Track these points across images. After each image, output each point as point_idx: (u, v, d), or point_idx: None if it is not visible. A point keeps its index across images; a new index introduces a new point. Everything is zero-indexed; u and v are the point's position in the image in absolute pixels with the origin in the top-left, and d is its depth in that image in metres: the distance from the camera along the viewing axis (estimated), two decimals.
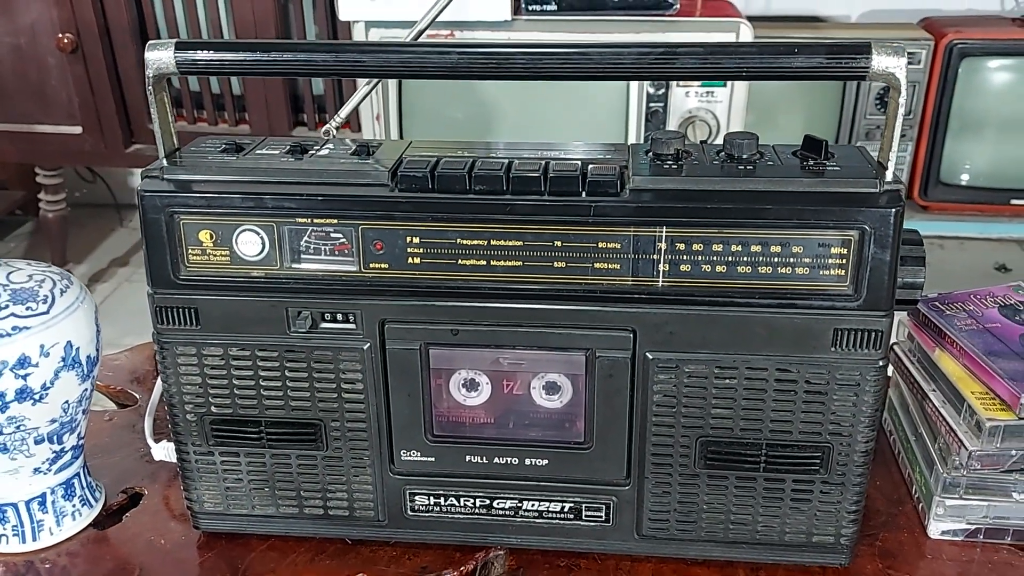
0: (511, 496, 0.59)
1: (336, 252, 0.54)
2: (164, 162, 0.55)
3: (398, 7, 1.25)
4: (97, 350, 0.61)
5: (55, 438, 0.60)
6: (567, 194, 0.52)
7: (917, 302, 0.54)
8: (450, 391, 0.57)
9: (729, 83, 1.25)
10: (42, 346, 0.56)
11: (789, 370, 0.53)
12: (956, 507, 0.60)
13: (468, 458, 0.58)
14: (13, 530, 0.62)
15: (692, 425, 0.55)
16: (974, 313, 0.63)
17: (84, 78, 1.81)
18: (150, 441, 0.68)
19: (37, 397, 0.57)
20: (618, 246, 0.52)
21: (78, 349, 0.58)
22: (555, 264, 0.53)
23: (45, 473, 0.61)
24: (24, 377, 0.56)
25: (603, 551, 0.60)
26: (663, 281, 0.52)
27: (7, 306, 0.56)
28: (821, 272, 0.51)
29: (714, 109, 1.25)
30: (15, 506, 0.61)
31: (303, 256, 0.54)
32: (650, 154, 0.54)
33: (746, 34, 1.23)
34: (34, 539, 0.62)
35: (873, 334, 0.52)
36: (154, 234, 0.54)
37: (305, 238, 0.54)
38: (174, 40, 0.53)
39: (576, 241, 0.52)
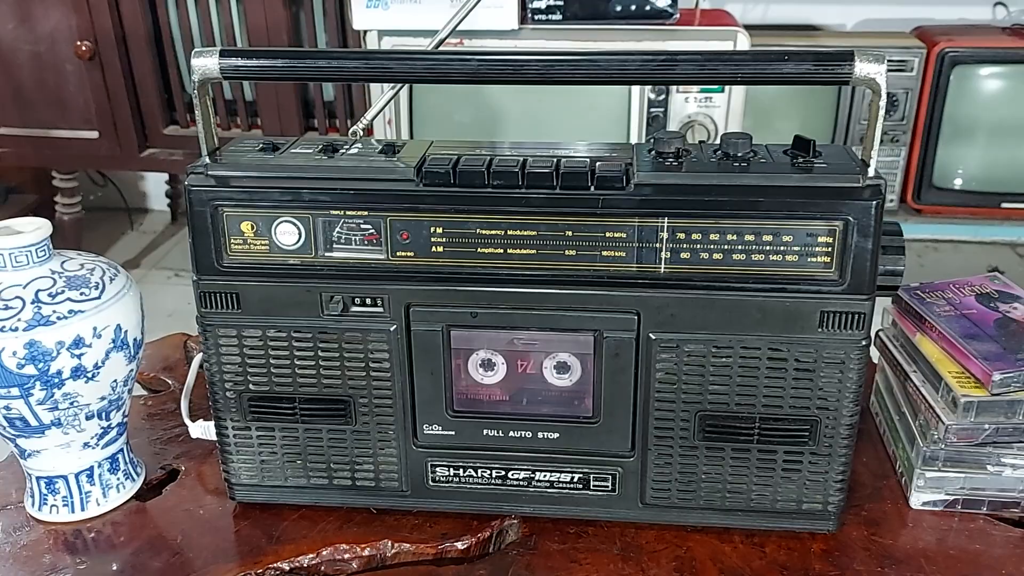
0: (524, 468, 0.64)
1: (366, 242, 0.59)
2: (207, 159, 0.60)
3: (409, 17, 1.30)
4: (142, 334, 0.66)
5: (103, 414, 0.65)
6: (577, 188, 0.57)
7: (898, 288, 0.59)
8: (468, 370, 0.62)
9: (726, 89, 1.31)
10: (95, 328, 0.61)
11: (780, 349, 0.58)
12: (935, 479, 0.65)
13: (485, 432, 0.63)
14: (63, 500, 0.67)
15: (691, 400, 0.60)
16: (952, 300, 0.68)
17: (101, 84, 1.86)
18: (187, 420, 0.73)
19: (90, 375, 0.62)
20: (624, 235, 0.57)
21: (126, 332, 0.63)
22: (566, 252, 0.58)
23: (93, 448, 0.66)
24: (79, 356, 0.61)
25: (609, 519, 0.65)
26: (665, 267, 0.58)
27: (63, 291, 0.61)
28: (809, 259, 0.56)
29: (712, 114, 1.31)
30: (65, 478, 0.66)
31: (335, 245, 0.59)
32: (653, 152, 0.59)
33: (743, 42, 1.28)
34: (82, 509, 0.67)
35: (856, 316, 0.57)
36: (200, 225, 0.59)
37: (337, 229, 0.59)
38: (218, 48, 0.58)
39: (585, 231, 0.57)
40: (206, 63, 0.57)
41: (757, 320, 0.58)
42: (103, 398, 0.64)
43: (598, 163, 0.58)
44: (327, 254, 0.59)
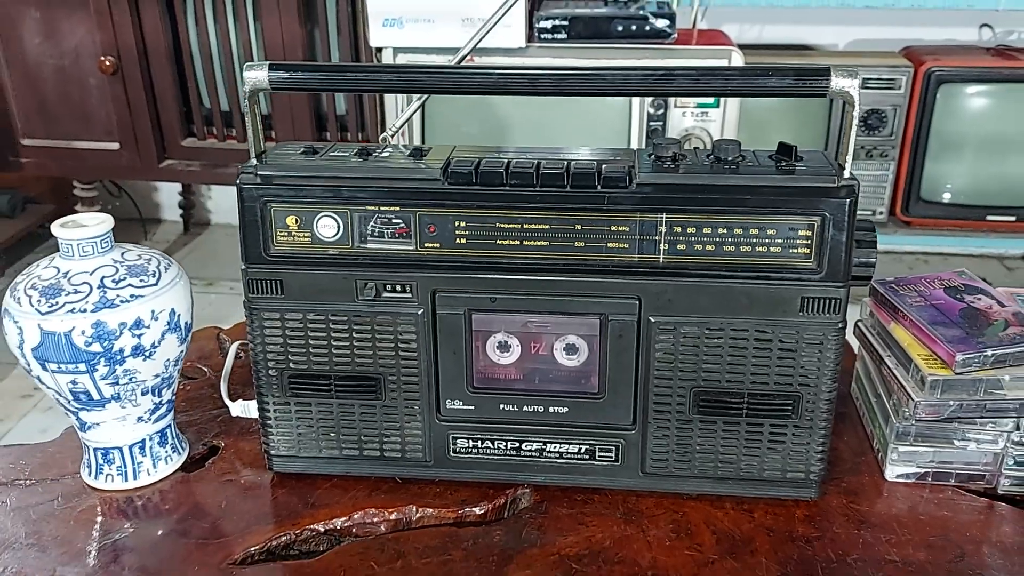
0: (536, 440, 0.71)
1: (397, 234, 0.66)
2: (255, 161, 0.68)
3: (423, 35, 1.38)
4: (191, 318, 0.73)
5: (157, 391, 0.72)
6: (585, 187, 0.64)
7: (871, 278, 0.67)
8: (487, 351, 0.69)
9: (721, 104, 1.38)
10: (152, 311, 0.68)
11: (765, 331, 0.65)
12: (907, 453, 0.72)
13: (502, 407, 0.70)
14: (118, 470, 0.73)
15: (686, 378, 0.67)
16: (923, 293, 0.76)
17: (123, 98, 1.94)
18: (227, 400, 0.80)
19: (147, 354, 0.69)
20: (627, 229, 0.64)
21: (179, 316, 0.71)
22: (575, 244, 0.65)
23: (146, 422, 0.73)
24: (139, 336, 0.68)
25: (613, 487, 0.72)
26: (663, 257, 0.65)
27: (125, 278, 0.68)
28: (790, 250, 0.64)
29: (708, 127, 1.38)
30: (120, 449, 0.73)
31: (370, 238, 0.67)
32: (652, 156, 0.67)
33: (737, 61, 1.36)
34: (134, 478, 0.74)
35: (833, 301, 0.64)
36: (249, 219, 0.66)
37: (372, 223, 0.66)
38: (268, 62, 0.65)
39: (592, 225, 0.65)
40: (257, 75, 0.65)
41: (745, 305, 0.65)
42: (157, 375, 0.71)
43: (604, 165, 0.65)
44: (362, 245, 0.67)
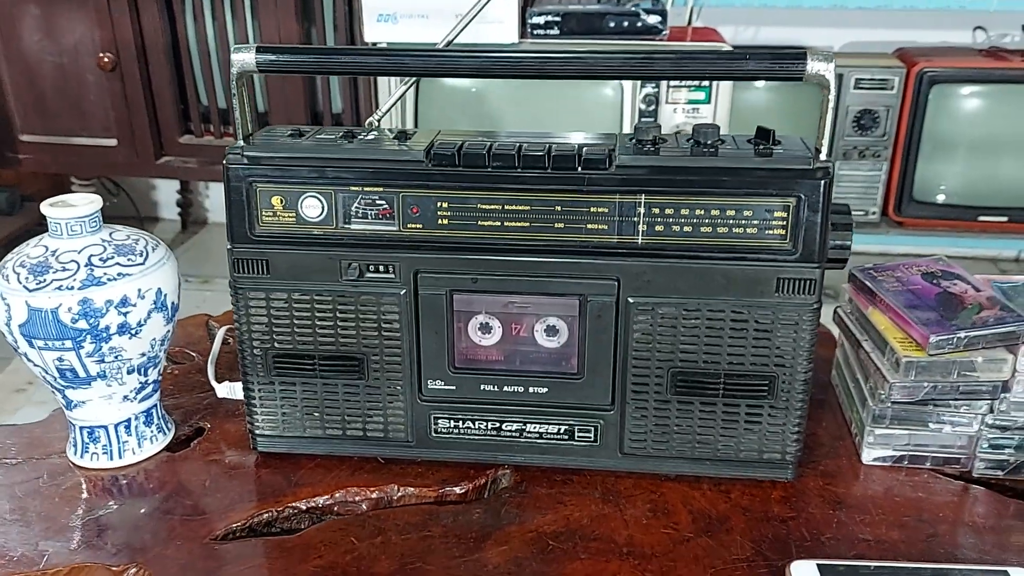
0: (516, 420, 0.72)
1: (381, 215, 0.67)
2: (242, 143, 0.69)
3: (417, 31, 1.39)
4: (178, 299, 0.74)
5: (143, 370, 0.73)
6: (566, 169, 0.65)
7: (846, 260, 0.68)
8: (469, 334, 0.70)
9: (712, 99, 1.40)
10: (139, 290, 0.69)
11: (742, 312, 0.66)
12: (884, 435, 0.73)
13: (483, 387, 0.71)
14: (103, 448, 0.74)
15: (664, 358, 0.68)
16: (901, 278, 0.77)
17: (121, 94, 1.96)
18: (213, 381, 0.81)
19: (133, 332, 0.70)
20: (606, 210, 0.65)
21: (165, 295, 0.72)
22: (555, 225, 0.66)
23: (132, 401, 0.74)
24: (125, 314, 0.69)
25: (592, 467, 0.73)
26: (642, 239, 0.66)
27: (112, 257, 0.69)
28: (767, 231, 0.65)
29: (699, 122, 1.39)
30: (106, 428, 0.74)
31: (354, 218, 0.68)
32: (633, 140, 0.68)
33: None
34: (120, 457, 0.75)
35: (808, 282, 0.65)
36: (235, 199, 0.67)
37: (356, 203, 0.67)
38: (255, 45, 0.66)
39: (572, 206, 0.66)
40: (244, 58, 0.66)
41: (722, 285, 0.66)
42: (143, 354, 0.72)
43: (584, 148, 0.66)
44: (346, 226, 0.68)
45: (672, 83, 1.38)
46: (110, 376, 0.71)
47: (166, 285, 0.72)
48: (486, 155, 0.66)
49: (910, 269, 0.78)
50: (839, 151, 1.97)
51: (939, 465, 0.74)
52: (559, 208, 0.66)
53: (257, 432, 0.75)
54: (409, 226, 0.67)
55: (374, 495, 0.72)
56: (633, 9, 1.41)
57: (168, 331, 0.73)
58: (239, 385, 0.77)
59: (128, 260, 0.69)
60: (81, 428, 0.74)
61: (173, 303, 0.73)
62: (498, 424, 0.72)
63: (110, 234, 0.71)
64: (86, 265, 0.68)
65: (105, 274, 0.68)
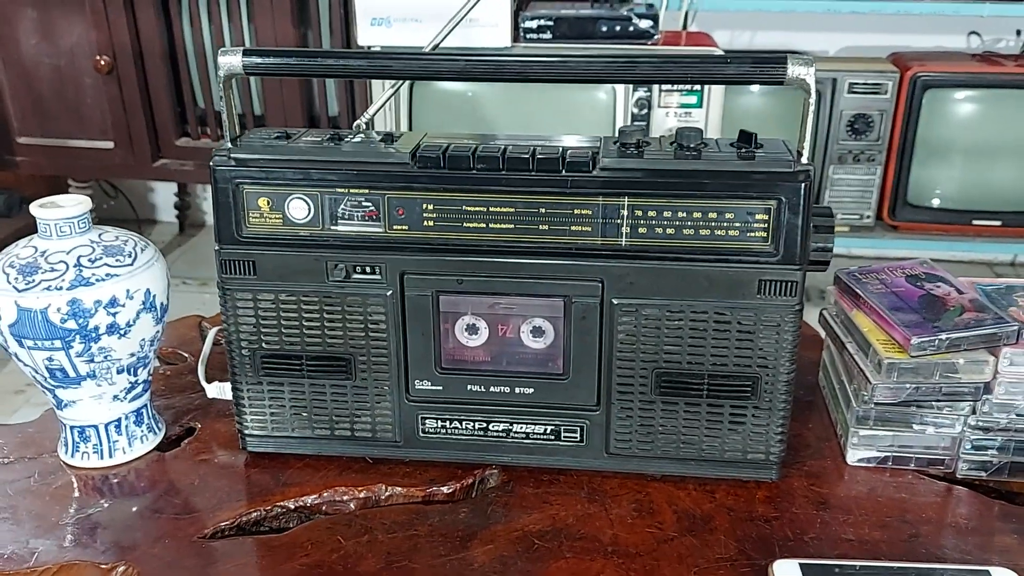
0: (503, 420, 0.72)
1: (367, 217, 0.68)
2: (229, 144, 0.69)
3: (411, 34, 1.40)
4: (167, 299, 0.75)
5: (132, 370, 0.73)
6: (550, 171, 0.66)
7: (828, 263, 0.68)
8: (455, 334, 0.71)
9: (704, 104, 1.40)
10: (128, 290, 0.70)
11: (724, 313, 0.67)
12: (868, 437, 0.74)
13: (469, 387, 0.72)
14: (94, 448, 0.75)
15: (648, 359, 0.69)
16: (885, 281, 0.77)
17: (118, 97, 1.97)
18: (203, 382, 0.81)
19: (122, 332, 0.70)
20: (590, 212, 0.66)
21: (154, 296, 0.72)
22: (540, 227, 0.67)
23: (122, 400, 0.74)
24: (113, 315, 0.69)
25: (578, 467, 0.73)
26: (625, 241, 0.66)
27: (101, 258, 0.70)
28: (748, 234, 0.65)
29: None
30: (96, 428, 0.74)
31: (340, 220, 0.68)
32: (617, 143, 0.68)
33: None
34: (110, 456, 0.75)
35: (790, 284, 0.66)
36: (222, 201, 0.68)
37: (342, 205, 0.68)
38: (242, 47, 0.67)
39: (557, 208, 0.66)
40: (231, 60, 0.67)
41: (705, 287, 0.66)
42: (132, 354, 0.72)
43: (568, 151, 0.67)
44: (333, 227, 0.68)
45: (664, 87, 1.39)
46: (100, 376, 0.72)
47: (155, 286, 0.72)
48: (471, 157, 0.66)
49: (895, 272, 0.78)
50: (833, 155, 1.98)
51: (923, 466, 0.74)
52: (543, 210, 0.66)
53: (246, 432, 0.75)
54: (395, 228, 0.68)
55: (362, 495, 0.73)
56: (625, 14, 1.42)
57: (158, 331, 0.74)
58: (229, 385, 0.77)
59: (117, 261, 0.70)
60: (72, 428, 0.74)
61: (162, 304, 0.73)
62: (485, 424, 0.73)
63: (99, 235, 0.72)
64: (75, 266, 0.68)
65: (94, 275, 0.69)
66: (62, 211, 0.70)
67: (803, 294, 0.67)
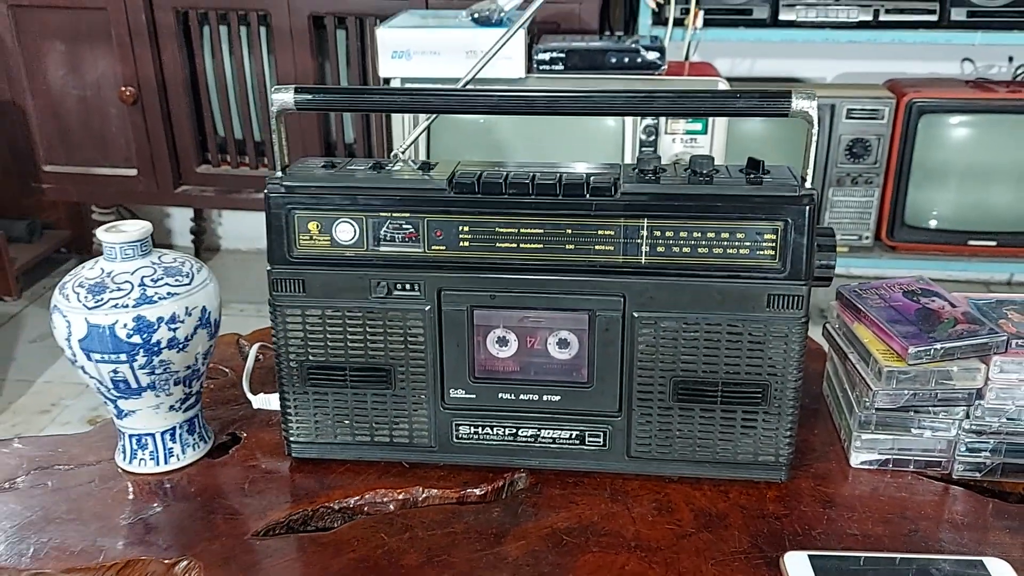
0: (532, 426, 0.78)
1: (407, 238, 0.74)
2: (280, 173, 0.76)
3: (429, 66, 1.47)
4: (220, 316, 0.81)
5: (187, 382, 0.79)
6: (575, 195, 0.72)
7: (831, 279, 0.74)
8: (487, 346, 0.77)
9: (709, 131, 1.47)
10: (186, 308, 0.76)
11: (736, 325, 0.73)
12: (870, 440, 0.79)
13: (500, 395, 0.77)
14: (151, 455, 0.81)
15: (666, 368, 0.75)
16: (884, 296, 0.83)
17: (142, 126, 2.04)
18: (248, 394, 0.87)
19: (181, 346, 0.76)
20: (612, 233, 0.72)
21: (209, 313, 0.78)
22: (566, 246, 0.73)
23: (177, 410, 0.80)
24: (174, 330, 0.75)
25: (601, 470, 0.79)
26: (645, 259, 0.72)
27: (162, 278, 0.76)
28: (758, 252, 0.71)
29: (696, 152, 1.47)
30: (153, 436, 0.80)
31: (383, 241, 0.74)
32: (636, 169, 0.75)
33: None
34: (165, 462, 0.81)
35: (796, 298, 0.72)
36: (275, 225, 0.74)
37: (385, 228, 0.74)
38: (294, 85, 0.73)
39: (582, 229, 0.72)
40: (284, 97, 0.73)
41: (718, 301, 0.72)
42: (189, 367, 0.78)
43: (592, 177, 0.73)
44: (376, 248, 0.74)
45: None
46: (159, 387, 0.77)
47: (210, 303, 0.78)
48: (503, 183, 0.73)
49: (892, 287, 0.84)
50: (832, 178, 2.04)
51: (921, 468, 0.80)
52: (569, 231, 0.73)
53: (292, 439, 0.81)
54: (433, 248, 0.74)
55: (400, 496, 0.78)
56: (633, 46, 1.49)
57: (211, 345, 0.80)
58: (273, 397, 0.83)
59: (176, 281, 0.76)
60: (130, 436, 0.80)
61: (216, 320, 0.79)
62: (515, 430, 0.78)
63: (159, 257, 0.78)
64: (139, 285, 0.75)
65: (156, 293, 0.75)
66: (126, 235, 0.76)
67: (808, 307, 0.73)
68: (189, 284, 0.77)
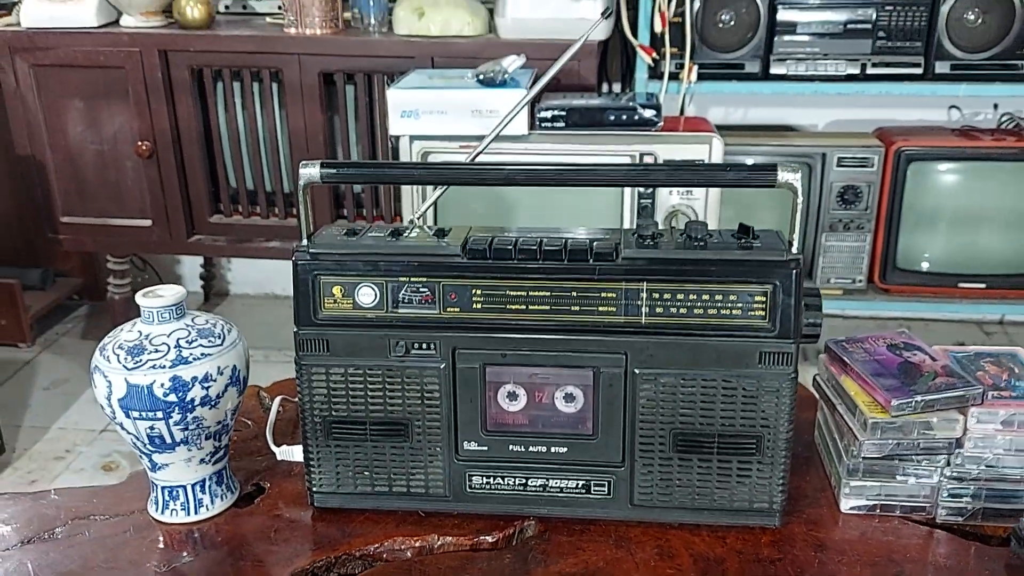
0: (541, 476, 0.83)
1: (424, 301, 0.80)
2: (306, 242, 0.82)
3: (436, 125, 1.54)
4: (248, 374, 0.86)
5: (217, 436, 0.85)
6: (580, 260, 0.78)
7: (818, 336, 0.80)
8: (499, 400, 0.82)
9: None
10: (219, 367, 0.81)
11: (731, 381, 0.78)
12: (858, 487, 0.84)
13: (511, 447, 0.83)
14: (181, 505, 0.86)
15: (666, 421, 0.80)
16: (869, 349, 0.89)
17: (157, 179, 2.11)
18: (272, 446, 0.92)
19: (213, 403, 0.82)
20: (614, 295, 0.78)
21: (239, 371, 0.84)
22: (572, 308, 0.79)
23: (207, 463, 0.85)
24: (207, 388, 0.81)
25: (606, 518, 0.84)
26: (645, 319, 0.78)
27: (196, 339, 0.81)
28: (749, 312, 0.77)
29: (692, 204, 1.53)
30: (184, 487, 0.85)
31: (401, 304, 0.80)
32: (635, 235, 0.81)
33: (717, 146, 1.52)
34: (196, 512, 0.86)
35: (786, 355, 0.77)
36: (302, 289, 0.80)
37: (403, 291, 0.80)
38: (320, 160, 0.80)
39: (586, 292, 0.78)
40: (311, 172, 0.79)
41: (713, 358, 0.78)
42: (219, 422, 0.83)
43: (595, 243, 0.79)
44: (395, 310, 0.80)
45: None
46: (191, 442, 0.83)
47: (239, 362, 0.84)
48: (512, 249, 0.79)
49: (877, 341, 0.90)
50: (825, 224, 2.11)
51: (907, 512, 0.85)
52: (574, 293, 0.78)
53: (315, 489, 0.86)
54: (448, 310, 0.80)
55: (417, 544, 0.83)
56: (631, 105, 1.56)
57: (239, 401, 0.85)
58: (295, 448, 0.88)
59: (209, 342, 0.82)
60: (163, 488, 0.85)
61: (244, 377, 0.85)
62: (524, 480, 0.83)
63: (192, 319, 0.84)
64: (175, 347, 0.80)
65: (191, 354, 0.80)
66: (162, 300, 0.82)
67: (798, 363, 0.78)
68: (221, 344, 0.82)
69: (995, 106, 2.39)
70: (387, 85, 1.87)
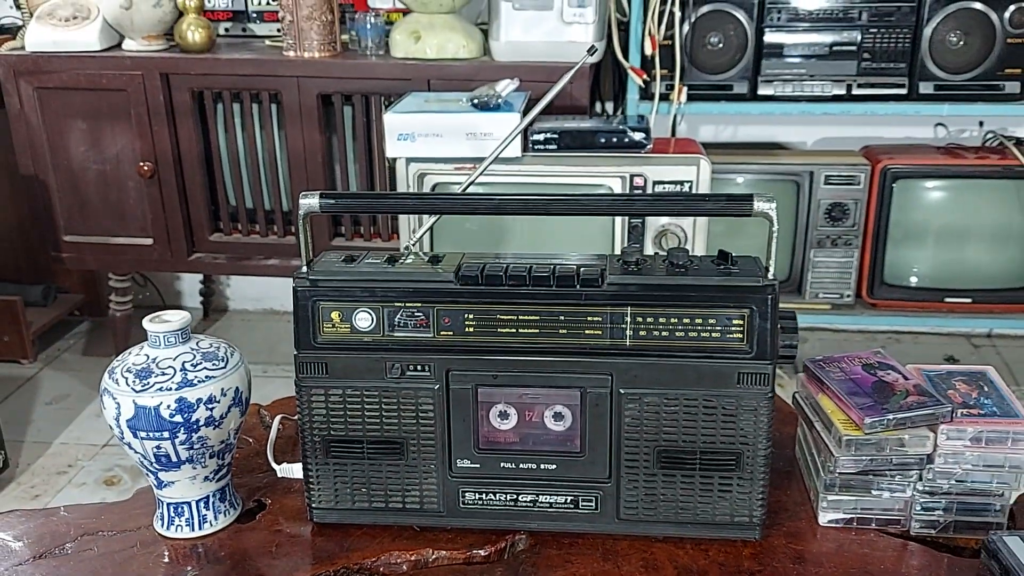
0: (531, 492, 0.87)
1: (419, 325, 0.84)
2: (306, 269, 0.85)
3: (432, 147, 1.58)
4: (250, 394, 0.90)
5: (221, 455, 0.88)
6: (567, 286, 0.82)
7: (794, 357, 0.84)
8: (490, 419, 0.86)
9: None
10: (223, 389, 0.85)
11: (711, 400, 0.82)
12: (835, 501, 0.88)
13: (502, 464, 0.86)
14: (186, 521, 0.89)
15: (650, 438, 0.84)
16: (845, 369, 0.93)
17: (158, 198, 2.15)
18: (273, 464, 0.96)
19: (217, 423, 0.85)
20: (600, 319, 0.82)
21: (241, 392, 0.87)
22: (560, 331, 0.82)
23: (211, 480, 0.89)
24: (211, 409, 0.84)
25: (594, 531, 0.87)
26: (629, 341, 0.82)
27: (201, 363, 0.85)
28: (727, 335, 0.81)
29: (682, 223, 1.57)
30: (189, 504, 0.89)
31: (397, 328, 0.84)
32: (620, 261, 0.84)
33: (704, 168, 1.56)
34: (200, 528, 0.89)
35: (763, 375, 0.81)
36: (302, 315, 0.84)
37: (398, 316, 0.84)
38: (319, 191, 0.83)
39: (573, 316, 0.82)
40: (310, 202, 0.83)
41: (694, 379, 0.82)
42: (223, 441, 0.87)
43: (581, 268, 0.83)
44: (391, 334, 0.84)
45: (656, 189, 1.56)
46: (196, 460, 0.86)
47: (242, 384, 0.87)
48: (503, 276, 0.82)
49: (853, 360, 0.94)
50: (813, 240, 2.15)
51: (882, 525, 0.88)
52: (562, 318, 0.82)
53: (314, 505, 0.89)
54: (442, 333, 0.84)
55: (412, 558, 0.86)
56: (620, 127, 1.60)
57: (242, 421, 0.89)
58: (295, 466, 0.92)
59: (213, 365, 0.86)
60: (168, 504, 0.89)
61: (246, 398, 0.89)
62: (515, 496, 0.87)
63: (196, 343, 0.87)
64: (181, 370, 0.84)
65: (196, 377, 0.84)
66: (169, 325, 0.85)
67: (774, 383, 0.82)
68: (224, 367, 0.86)
69: (980, 123, 2.43)
70: (384, 107, 1.92)
